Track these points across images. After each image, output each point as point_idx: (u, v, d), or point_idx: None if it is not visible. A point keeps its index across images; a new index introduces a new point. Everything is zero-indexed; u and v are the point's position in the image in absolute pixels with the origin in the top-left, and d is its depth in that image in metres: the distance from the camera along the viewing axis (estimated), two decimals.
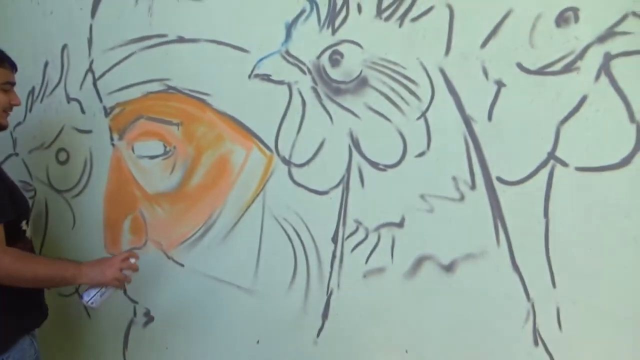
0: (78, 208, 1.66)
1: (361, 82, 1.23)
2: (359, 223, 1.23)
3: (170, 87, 1.47)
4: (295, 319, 1.30)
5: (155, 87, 1.49)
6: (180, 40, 1.45)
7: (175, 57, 1.46)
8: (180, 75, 1.46)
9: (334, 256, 1.26)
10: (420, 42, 1.17)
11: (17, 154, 1.75)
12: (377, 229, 1.21)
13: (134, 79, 1.52)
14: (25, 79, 1.69)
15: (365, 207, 1.23)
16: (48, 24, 1.67)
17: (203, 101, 1.42)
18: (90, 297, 1.23)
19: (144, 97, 1.51)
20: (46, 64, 1.68)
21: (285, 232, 1.32)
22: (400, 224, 1.19)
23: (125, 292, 1.55)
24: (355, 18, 1.24)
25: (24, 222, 1.29)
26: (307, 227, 1.30)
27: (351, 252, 1.24)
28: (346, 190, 1.25)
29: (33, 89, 1.70)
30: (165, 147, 1.49)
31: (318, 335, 1.28)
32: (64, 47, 1.64)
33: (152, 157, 1.51)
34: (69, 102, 1.64)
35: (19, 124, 1.73)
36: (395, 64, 1.20)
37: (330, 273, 1.26)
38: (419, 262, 1.16)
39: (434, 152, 1.16)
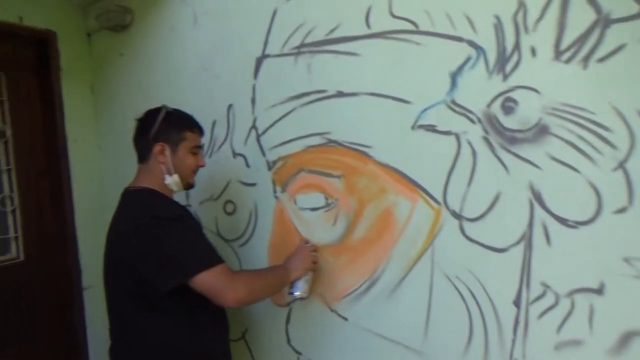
0: (244, 257, 1.76)
1: (541, 130, 1.13)
2: (546, 286, 1.11)
3: (330, 141, 1.50)
4: None
5: (316, 140, 1.54)
6: (340, 94, 1.48)
7: (335, 111, 1.49)
8: (340, 129, 1.48)
9: (517, 322, 1.15)
10: (611, 85, 1.04)
11: (190, 205, 1.92)
12: (570, 294, 1.08)
13: (295, 134, 1.59)
14: None
15: (554, 268, 1.11)
16: (215, 86, 1.82)
17: (364, 153, 1.43)
18: (299, 289, 1.45)
19: (305, 150, 1.56)
20: (214, 123, 1.83)
21: (458, 291, 1.25)
22: (599, 291, 1.04)
23: (289, 342, 1.59)
24: (529, 62, 1.15)
25: None
26: (483, 287, 1.21)
27: (538, 319, 1.12)
28: (529, 248, 1.14)
29: (203, 146, 1.86)
30: (327, 199, 1.51)
31: None
32: (230, 106, 1.78)
33: (314, 209, 1.55)
34: (234, 157, 1.77)
35: None
36: (581, 109, 1.08)
37: (514, 341, 1.15)
38: (626, 338, 1.01)
39: (639, 207, 1.01)
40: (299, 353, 1.60)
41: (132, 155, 1.47)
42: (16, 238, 2.10)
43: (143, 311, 1.29)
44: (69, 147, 2.18)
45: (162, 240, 1.24)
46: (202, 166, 1.50)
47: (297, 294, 1.44)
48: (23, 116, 2.12)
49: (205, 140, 1.84)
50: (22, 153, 2.11)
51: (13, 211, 2.09)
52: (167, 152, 1.39)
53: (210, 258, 1.26)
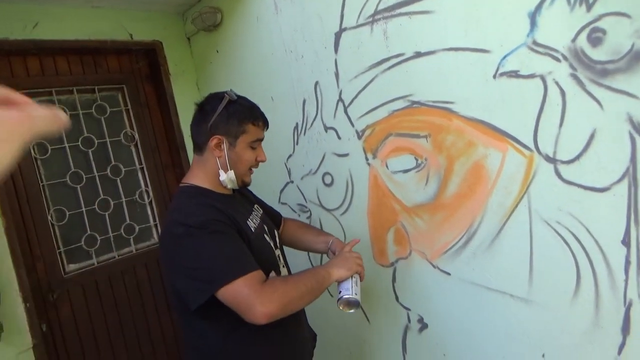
0: (346, 224, 1.86)
1: (635, 57, 1.04)
2: None
3: (414, 102, 1.52)
4: (587, 333, 1.18)
5: (400, 104, 1.56)
6: (417, 55, 1.48)
7: (415, 73, 1.49)
8: (421, 89, 1.49)
9: (627, 262, 1.10)
10: None
11: (292, 182, 2.06)
12: None
13: (379, 101, 1.62)
14: (289, 118, 1.99)
15: None
16: (301, 66, 1.91)
17: (448, 110, 1.42)
18: (349, 291, 1.23)
19: (390, 115, 1.60)
20: (304, 102, 1.93)
21: (561, 236, 1.21)
22: None
23: (397, 299, 1.66)
24: None
25: (272, 273, 1.25)
26: (587, 229, 1.16)
27: None
28: (634, 184, 1.07)
29: (296, 125, 1.98)
30: (416, 160, 1.54)
31: (619, 352, 1.13)
32: (316, 83, 1.86)
33: (405, 171, 1.58)
34: (326, 131, 1.86)
35: (290, 156, 2.05)
36: None
37: (626, 281, 1.10)
38: None
39: None
40: (407, 309, 1.67)
41: None
42: (155, 225, 2.43)
43: (184, 318, 1.23)
44: (185, 141, 2.46)
45: (188, 253, 1.12)
46: (262, 161, 1.33)
47: (346, 296, 1.22)
48: (145, 120, 2.43)
49: (298, 118, 1.97)
50: (149, 152, 2.43)
51: (150, 202, 2.43)
52: (224, 145, 1.24)
53: (238, 267, 1.08)
